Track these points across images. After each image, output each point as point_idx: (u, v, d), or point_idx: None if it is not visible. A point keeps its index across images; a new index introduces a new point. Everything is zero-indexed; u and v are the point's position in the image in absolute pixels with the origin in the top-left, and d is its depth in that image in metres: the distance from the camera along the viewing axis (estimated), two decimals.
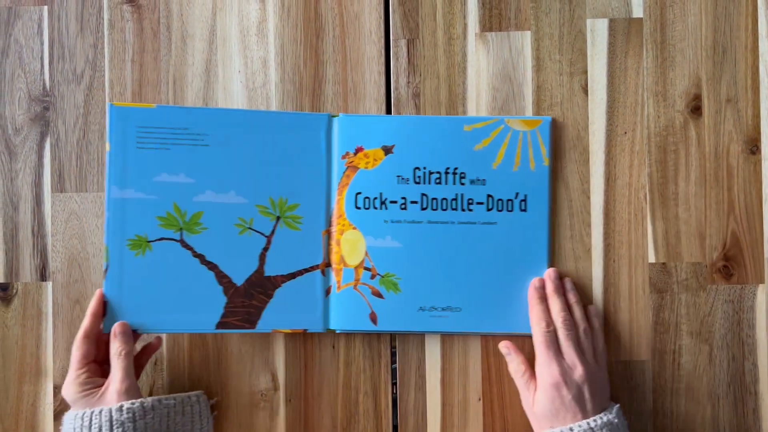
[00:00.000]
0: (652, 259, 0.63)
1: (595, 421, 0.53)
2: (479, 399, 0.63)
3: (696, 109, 0.63)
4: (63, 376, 0.64)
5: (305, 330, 0.61)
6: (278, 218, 0.61)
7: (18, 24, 0.65)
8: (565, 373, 0.55)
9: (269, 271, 0.61)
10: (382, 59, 0.64)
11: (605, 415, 0.54)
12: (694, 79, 0.63)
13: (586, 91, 0.63)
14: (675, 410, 0.63)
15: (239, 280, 0.61)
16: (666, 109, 0.63)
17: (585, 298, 0.62)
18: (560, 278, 0.61)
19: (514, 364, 0.59)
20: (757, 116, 0.63)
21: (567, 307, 0.59)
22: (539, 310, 0.59)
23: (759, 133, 0.63)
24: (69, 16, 0.65)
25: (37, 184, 0.65)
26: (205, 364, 0.64)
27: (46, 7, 0.65)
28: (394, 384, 0.64)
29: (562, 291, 0.60)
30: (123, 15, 0.65)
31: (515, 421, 0.62)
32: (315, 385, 0.63)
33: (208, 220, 0.60)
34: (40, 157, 0.65)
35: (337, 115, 0.62)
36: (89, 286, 0.64)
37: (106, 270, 0.59)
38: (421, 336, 0.63)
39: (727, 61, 0.63)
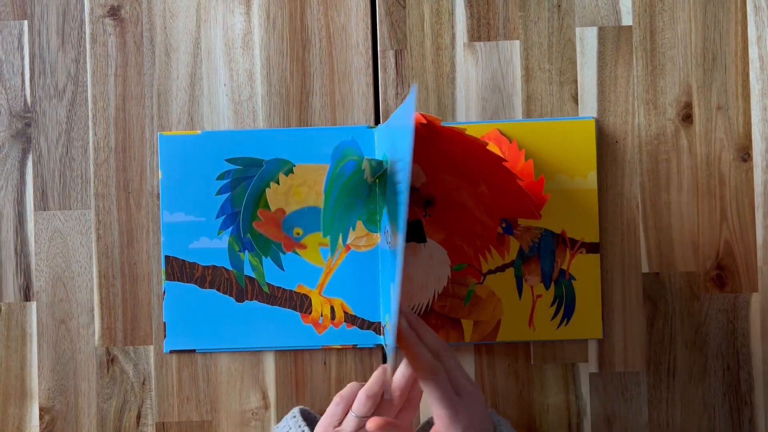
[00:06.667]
0: (645, 269, 0.62)
1: None
2: None
3: (687, 117, 0.63)
4: (49, 398, 0.62)
5: None
6: None
7: None
8: (471, 415, 0.48)
9: None
10: (370, 70, 0.63)
11: None
12: (685, 86, 0.63)
13: (576, 100, 0.63)
14: (671, 421, 0.62)
15: None
16: (657, 117, 0.63)
17: None
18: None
19: None
20: (747, 123, 0.62)
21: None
22: (425, 355, 0.48)
23: (750, 140, 0.62)
24: (50, 30, 0.64)
25: (20, 203, 0.63)
26: (194, 382, 0.63)
27: (26, 22, 0.64)
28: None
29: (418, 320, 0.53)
30: (105, 29, 0.64)
31: None
32: (307, 402, 0.62)
33: None
34: (22, 174, 0.63)
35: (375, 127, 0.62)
36: (74, 305, 0.63)
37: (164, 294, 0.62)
38: None
39: (717, 68, 0.63)
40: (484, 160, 0.54)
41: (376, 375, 0.51)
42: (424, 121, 0.52)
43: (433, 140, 0.55)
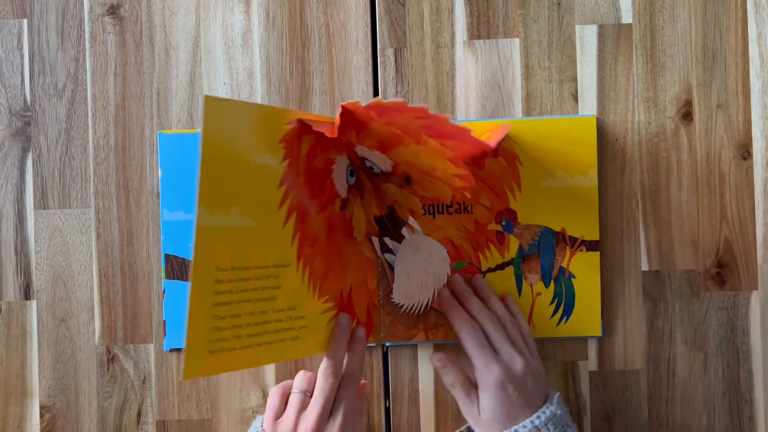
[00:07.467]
0: (645, 267, 0.62)
1: (539, 417, 0.52)
2: None
3: (687, 115, 0.63)
4: (49, 396, 0.63)
5: None
6: None
7: None
8: (506, 370, 0.53)
9: None
10: (370, 69, 0.63)
11: (547, 407, 0.53)
12: (685, 84, 0.63)
13: (576, 99, 0.63)
14: (670, 419, 0.62)
15: None
16: (657, 115, 0.63)
17: None
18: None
19: (451, 376, 0.56)
20: (748, 121, 0.62)
21: (484, 304, 0.58)
22: (459, 313, 0.57)
23: (750, 138, 0.62)
24: (49, 29, 0.64)
25: (20, 201, 0.63)
26: (195, 380, 0.63)
27: (25, 20, 0.64)
28: (387, 397, 0.63)
29: (473, 290, 0.60)
30: (105, 27, 0.64)
31: None
32: None
33: None
34: (22, 173, 0.63)
35: None
36: (74, 304, 0.63)
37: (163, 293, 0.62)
38: (413, 348, 0.63)
39: (717, 66, 0.63)
40: (414, 118, 0.52)
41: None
42: (341, 111, 0.52)
43: (364, 124, 0.54)
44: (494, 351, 0.55)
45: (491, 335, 0.56)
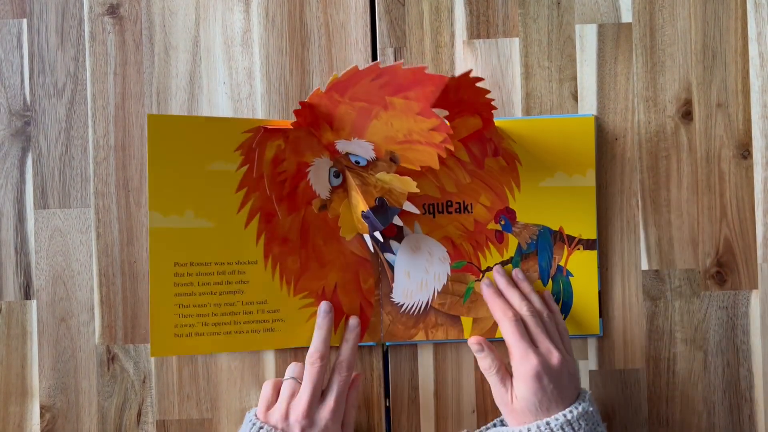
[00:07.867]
0: (645, 266, 0.62)
1: (571, 412, 0.52)
2: (473, 411, 0.62)
3: (687, 114, 0.63)
4: (49, 396, 0.63)
5: None
6: None
7: None
8: (543, 362, 0.53)
9: None
10: None
11: (580, 404, 0.53)
12: (685, 83, 0.63)
13: (575, 98, 0.63)
14: (670, 418, 0.62)
15: None
16: (657, 114, 0.63)
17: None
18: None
19: (488, 361, 0.56)
20: (747, 120, 0.62)
21: (525, 297, 0.58)
22: (500, 304, 0.57)
23: (750, 137, 0.62)
24: (49, 28, 0.64)
25: (19, 201, 0.63)
26: (195, 380, 0.63)
27: (25, 20, 0.64)
28: (387, 397, 0.63)
29: (513, 283, 0.60)
30: (104, 27, 0.64)
31: None
32: None
33: None
34: (22, 173, 0.63)
35: None
36: (74, 303, 0.63)
37: None
38: (413, 348, 0.63)
39: (717, 65, 0.63)
40: (371, 80, 0.51)
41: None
42: (300, 107, 0.52)
43: (332, 113, 0.54)
44: (532, 343, 0.55)
45: (530, 328, 0.56)
